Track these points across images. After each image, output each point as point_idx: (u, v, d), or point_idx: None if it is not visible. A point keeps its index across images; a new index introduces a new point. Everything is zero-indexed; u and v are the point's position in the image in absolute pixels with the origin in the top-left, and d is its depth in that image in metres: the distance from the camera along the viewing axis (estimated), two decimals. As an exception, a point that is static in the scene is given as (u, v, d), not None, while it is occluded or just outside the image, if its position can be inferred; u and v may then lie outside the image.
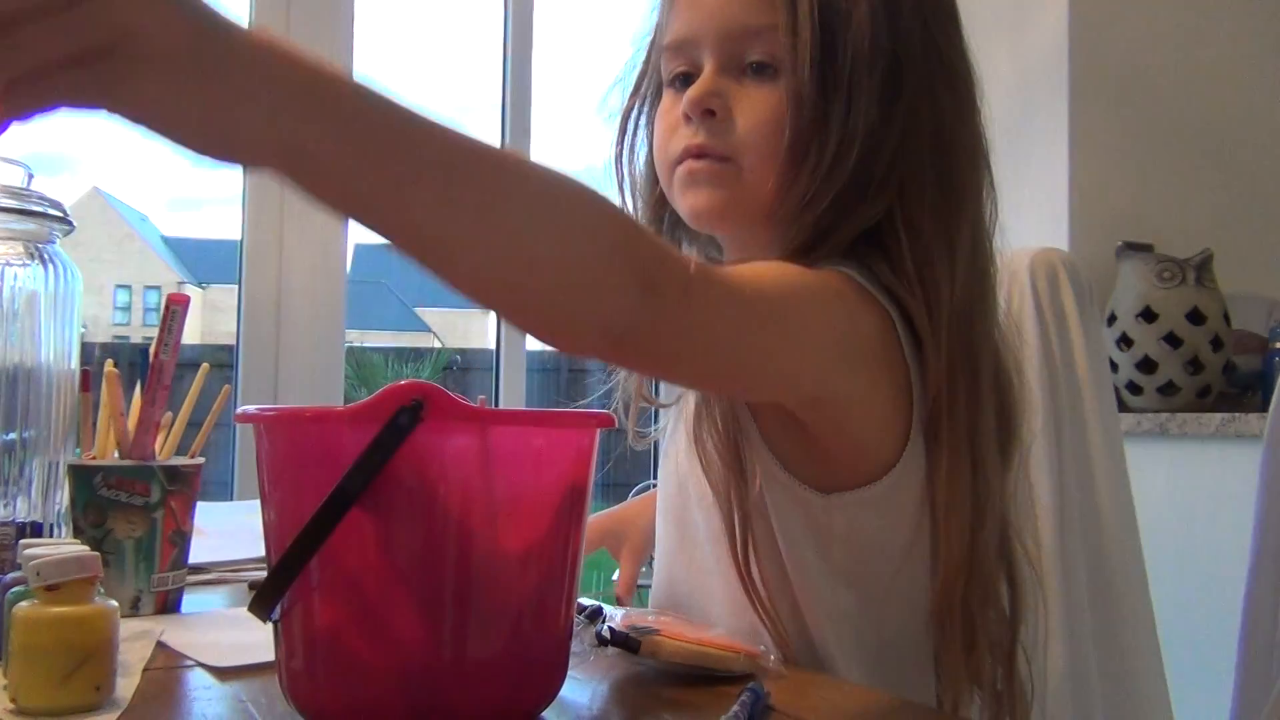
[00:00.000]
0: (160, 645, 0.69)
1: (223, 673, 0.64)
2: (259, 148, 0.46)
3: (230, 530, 1.19)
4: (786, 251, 0.75)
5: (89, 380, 0.83)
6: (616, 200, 0.89)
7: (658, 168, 0.83)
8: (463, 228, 0.50)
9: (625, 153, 0.89)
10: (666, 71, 0.82)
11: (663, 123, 0.82)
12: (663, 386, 0.91)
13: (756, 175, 0.77)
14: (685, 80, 0.80)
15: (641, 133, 0.88)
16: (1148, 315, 1.89)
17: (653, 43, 0.86)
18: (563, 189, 0.54)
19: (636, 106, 0.88)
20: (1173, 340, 1.87)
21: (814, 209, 0.75)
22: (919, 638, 0.77)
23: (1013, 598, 0.77)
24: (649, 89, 0.87)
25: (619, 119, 0.89)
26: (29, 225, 0.81)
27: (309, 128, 0.45)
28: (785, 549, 0.75)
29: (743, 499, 0.75)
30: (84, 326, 0.84)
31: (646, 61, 0.87)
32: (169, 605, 0.82)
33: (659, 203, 0.87)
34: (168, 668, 0.66)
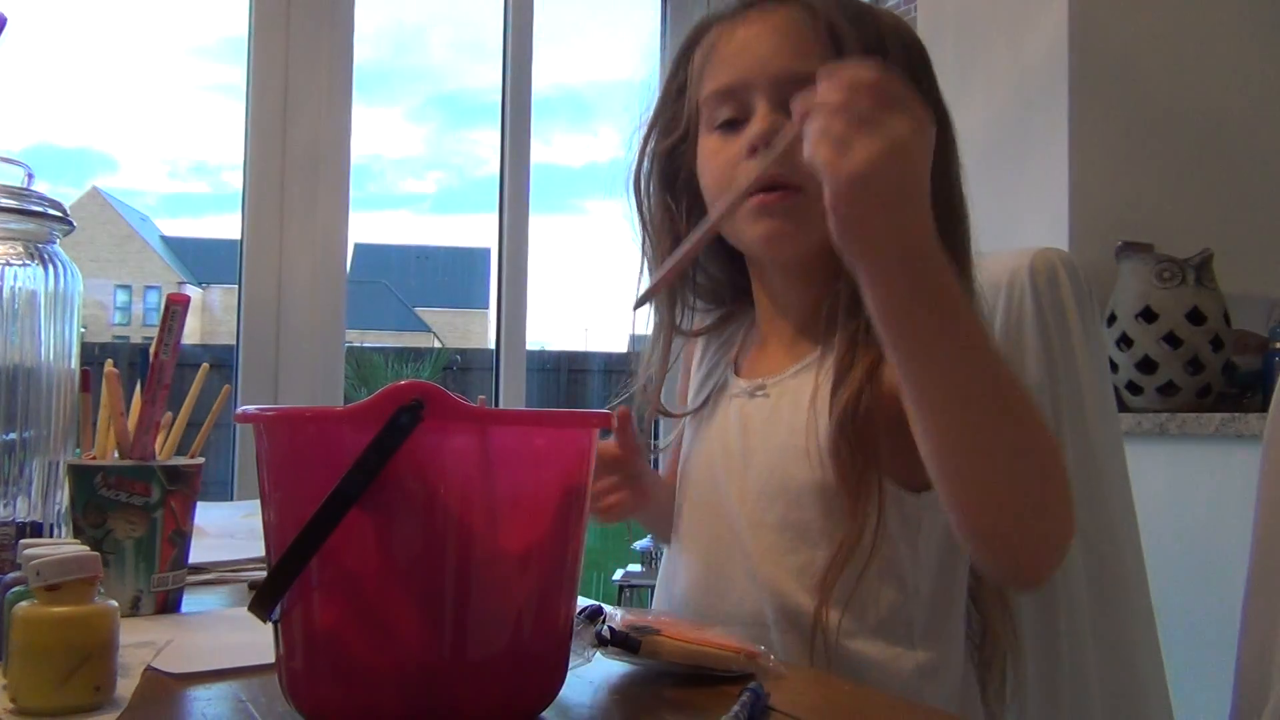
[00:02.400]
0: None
1: (223, 673, 0.64)
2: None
3: (230, 530, 1.19)
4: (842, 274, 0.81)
5: (89, 380, 0.83)
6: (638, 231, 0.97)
7: (714, 201, 0.89)
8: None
9: (647, 186, 0.95)
10: (711, 116, 0.88)
11: (715, 161, 0.88)
12: (676, 398, 0.96)
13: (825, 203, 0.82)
14: (731, 124, 0.87)
15: (657, 166, 0.94)
16: (1148, 315, 1.89)
17: (681, 88, 0.93)
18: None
19: (670, 146, 0.93)
20: (1173, 340, 1.87)
21: None
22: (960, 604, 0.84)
23: None
24: (684, 129, 0.93)
25: (645, 156, 0.95)
26: (29, 225, 0.81)
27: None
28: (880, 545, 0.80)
29: (866, 501, 0.80)
30: (84, 326, 0.84)
31: (678, 104, 0.93)
32: (169, 605, 0.82)
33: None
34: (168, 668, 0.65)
